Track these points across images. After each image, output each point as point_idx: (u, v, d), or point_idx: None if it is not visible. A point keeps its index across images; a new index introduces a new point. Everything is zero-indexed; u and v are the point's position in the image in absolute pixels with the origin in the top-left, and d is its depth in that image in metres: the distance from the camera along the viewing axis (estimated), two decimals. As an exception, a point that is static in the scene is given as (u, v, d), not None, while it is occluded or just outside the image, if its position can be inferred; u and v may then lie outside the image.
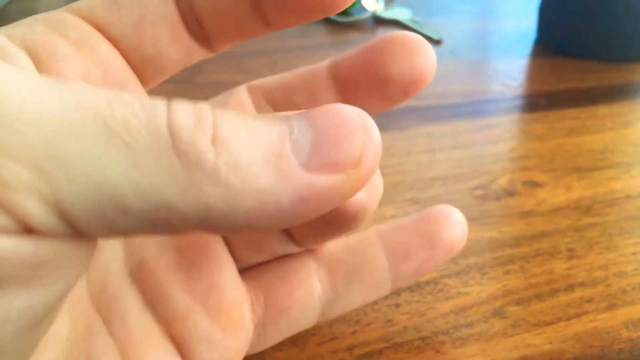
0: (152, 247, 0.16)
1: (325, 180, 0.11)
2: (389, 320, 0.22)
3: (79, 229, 0.10)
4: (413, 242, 0.18)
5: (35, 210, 0.09)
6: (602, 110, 0.39)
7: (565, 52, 0.47)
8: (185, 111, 0.10)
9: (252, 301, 0.18)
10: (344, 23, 0.54)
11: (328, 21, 0.54)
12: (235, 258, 0.18)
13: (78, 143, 0.09)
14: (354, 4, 0.56)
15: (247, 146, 0.10)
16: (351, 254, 0.18)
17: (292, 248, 0.18)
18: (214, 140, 0.10)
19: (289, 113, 0.11)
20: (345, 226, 0.16)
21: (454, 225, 0.19)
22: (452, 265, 0.25)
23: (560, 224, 0.28)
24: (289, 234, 0.17)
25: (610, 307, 0.23)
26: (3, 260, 0.09)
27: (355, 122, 0.11)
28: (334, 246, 0.19)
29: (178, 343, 0.16)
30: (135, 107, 0.10)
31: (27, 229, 0.09)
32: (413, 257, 0.18)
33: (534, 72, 0.45)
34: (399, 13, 0.55)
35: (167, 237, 0.16)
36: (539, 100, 0.40)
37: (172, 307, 0.16)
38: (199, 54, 0.16)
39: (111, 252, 0.16)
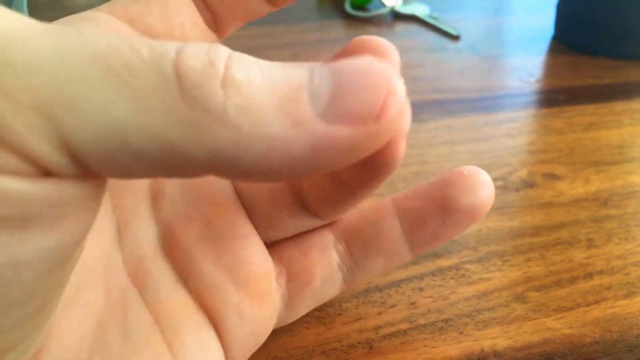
0: (181, 218, 0.17)
1: (341, 132, 0.10)
2: (413, 303, 0.23)
3: (91, 169, 0.10)
4: (427, 208, 0.17)
5: (48, 153, 0.09)
6: (619, 106, 0.39)
7: (582, 49, 0.48)
8: (196, 53, 0.10)
9: (276, 274, 0.18)
10: (362, 18, 0.55)
11: (347, 16, 0.55)
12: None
13: (83, 86, 0.09)
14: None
15: (260, 89, 0.10)
16: (367, 224, 0.18)
17: (311, 222, 0.18)
18: (225, 82, 0.10)
19: (313, 64, 0.11)
20: (363, 187, 0.16)
21: (474, 188, 0.17)
22: (473, 252, 0.26)
23: (579, 215, 0.28)
24: (307, 207, 0.18)
25: (628, 295, 0.24)
26: (26, 202, 0.09)
27: (380, 75, 0.10)
28: (350, 218, 0.19)
29: (210, 314, 0.16)
30: (142, 50, 0.10)
31: (44, 172, 0.10)
32: (428, 223, 0.18)
33: (552, 68, 0.46)
34: (417, 9, 0.55)
35: (194, 208, 0.17)
36: (557, 96, 0.41)
37: (202, 279, 0.16)
38: (213, 39, 0.17)
39: (144, 224, 0.16)
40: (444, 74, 0.44)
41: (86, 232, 0.12)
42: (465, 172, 0.17)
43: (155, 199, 0.17)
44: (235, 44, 0.20)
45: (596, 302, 0.23)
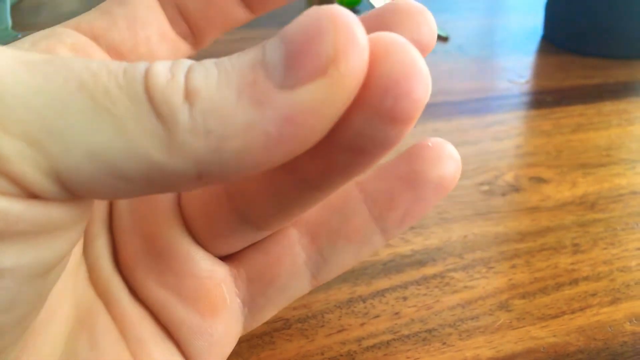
0: (125, 234, 0.16)
1: (307, 92, 0.10)
2: (397, 313, 0.23)
3: (78, 193, 0.11)
4: (395, 186, 0.16)
5: (36, 179, 0.10)
6: (608, 107, 0.39)
7: (571, 49, 0.47)
8: (160, 70, 0.10)
9: (234, 278, 0.17)
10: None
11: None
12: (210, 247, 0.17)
13: (68, 116, 0.10)
14: (360, 1, 0.56)
15: (219, 87, 0.10)
16: (331, 213, 0.17)
17: (258, 235, 0.17)
18: (187, 93, 0.10)
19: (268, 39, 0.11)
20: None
21: (441, 160, 0.15)
22: (458, 260, 0.26)
23: (565, 220, 0.28)
24: (249, 221, 0.16)
25: (613, 301, 0.24)
26: (14, 220, 0.10)
27: (323, 20, 0.10)
28: (313, 208, 0.17)
29: (165, 330, 0.16)
30: (118, 75, 0.10)
31: (31, 195, 0.10)
32: (397, 202, 0.16)
33: (541, 69, 0.45)
34: (406, 10, 0.55)
35: (135, 224, 0.16)
36: (545, 97, 0.40)
37: (148, 297, 0.16)
38: (185, 50, 0.17)
39: (102, 238, 0.16)
40: (433, 76, 0.43)
41: (70, 249, 0.12)
42: (429, 144, 0.15)
43: (110, 214, 0.16)
44: (222, 49, 0.20)
45: (581, 309, 0.23)
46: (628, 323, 0.23)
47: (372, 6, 0.55)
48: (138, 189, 0.11)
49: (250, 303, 0.17)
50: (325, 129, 0.11)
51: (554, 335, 0.22)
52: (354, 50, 0.10)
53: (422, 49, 0.14)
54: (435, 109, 0.39)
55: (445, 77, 0.43)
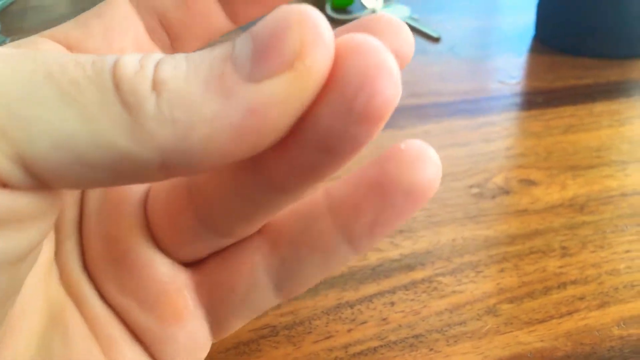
0: (91, 235, 0.16)
1: (272, 85, 0.10)
2: (384, 319, 0.23)
3: (47, 181, 0.11)
4: (361, 193, 0.14)
5: (3, 166, 0.10)
6: (599, 107, 0.39)
7: (563, 49, 0.47)
8: (130, 60, 0.11)
9: (196, 285, 0.17)
10: (343, 20, 0.54)
11: (328, 19, 0.55)
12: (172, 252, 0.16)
13: (35, 106, 0.10)
14: (352, 1, 0.56)
15: (186, 78, 0.11)
16: (295, 219, 0.16)
17: (223, 242, 0.16)
18: (154, 83, 0.11)
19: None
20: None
21: (415, 164, 0.13)
22: (447, 264, 0.26)
23: (554, 222, 0.28)
24: (214, 229, 0.16)
25: (601, 305, 0.24)
26: None
27: (291, 17, 0.10)
28: (277, 215, 0.16)
29: (131, 334, 0.16)
30: (86, 66, 0.11)
31: (1, 184, 0.10)
32: (363, 210, 0.14)
33: (532, 69, 0.45)
34: (398, 10, 0.55)
35: (100, 227, 0.16)
36: (536, 98, 0.40)
37: (111, 301, 0.16)
38: None
39: (72, 240, 0.16)
40: (424, 77, 0.43)
41: (41, 239, 0.12)
42: (403, 146, 0.13)
43: (80, 214, 0.16)
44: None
45: (569, 313, 0.23)
46: (616, 327, 0.23)
47: (364, 7, 0.55)
48: (105, 178, 0.11)
49: (213, 312, 0.17)
50: (289, 122, 0.11)
51: (542, 340, 0.22)
52: (319, 45, 0.10)
53: (400, 59, 0.14)
54: (427, 111, 0.39)
55: (436, 78, 0.43)
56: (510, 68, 0.45)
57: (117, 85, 0.10)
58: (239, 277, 0.16)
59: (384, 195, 0.14)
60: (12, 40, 0.26)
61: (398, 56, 0.14)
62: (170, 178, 0.11)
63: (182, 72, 0.11)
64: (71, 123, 0.10)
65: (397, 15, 0.54)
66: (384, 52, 0.11)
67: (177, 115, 0.10)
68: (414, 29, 0.52)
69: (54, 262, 0.16)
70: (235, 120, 0.10)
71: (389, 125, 0.36)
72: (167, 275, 0.16)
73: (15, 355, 0.14)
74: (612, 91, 0.41)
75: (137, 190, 0.16)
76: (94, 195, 0.16)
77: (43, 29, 0.20)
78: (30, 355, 0.14)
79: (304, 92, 0.11)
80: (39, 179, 0.11)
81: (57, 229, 0.16)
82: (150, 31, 0.17)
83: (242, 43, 0.11)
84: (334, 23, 0.54)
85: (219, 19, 0.17)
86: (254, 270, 0.16)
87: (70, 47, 0.15)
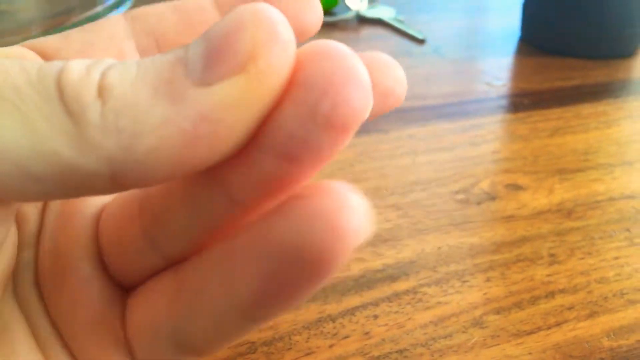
0: (42, 247, 0.15)
1: (224, 89, 0.10)
2: (367, 333, 0.22)
3: None
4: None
5: None
6: (586, 109, 0.38)
7: (549, 50, 0.47)
8: (77, 66, 0.10)
9: (129, 312, 0.15)
10: (327, 23, 0.53)
11: (311, 21, 0.54)
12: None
13: None
14: (337, 2, 0.55)
15: (134, 84, 0.10)
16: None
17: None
18: (100, 89, 0.10)
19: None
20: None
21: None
22: (432, 273, 0.25)
23: (542, 229, 0.27)
24: (161, 252, 0.14)
25: (591, 315, 0.23)
26: None
27: (245, 16, 0.10)
28: None
29: None
30: (32, 72, 0.10)
31: None
32: None
33: (519, 71, 0.45)
34: (383, 12, 0.54)
35: (50, 243, 0.15)
36: (523, 100, 0.40)
37: (53, 320, 0.15)
38: None
39: (28, 249, 0.15)
40: (409, 80, 0.42)
41: None
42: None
43: (40, 227, 0.15)
44: None
45: (557, 324, 0.22)
46: (606, 338, 0.22)
47: (348, 9, 0.54)
48: (51, 190, 0.10)
49: (139, 347, 0.15)
50: (245, 128, 0.10)
51: (529, 353, 0.21)
52: (275, 45, 0.10)
53: (393, 99, 0.14)
54: (412, 114, 0.38)
55: (421, 81, 0.42)
56: (496, 70, 0.45)
57: (62, 91, 0.10)
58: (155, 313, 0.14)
59: None
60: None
61: (391, 95, 0.14)
62: (123, 190, 0.11)
63: (130, 77, 0.10)
64: (12, 132, 0.10)
65: (383, 16, 0.53)
66: (353, 58, 0.10)
67: (123, 124, 0.10)
68: (399, 31, 0.51)
69: (10, 275, 0.15)
70: (186, 126, 0.10)
71: (374, 129, 0.36)
72: (102, 300, 0.15)
73: None
74: (599, 92, 0.41)
75: (92, 203, 0.15)
76: (54, 207, 0.16)
77: (12, 35, 0.19)
78: None
79: (259, 96, 0.10)
80: None
81: (19, 236, 0.15)
82: (142, 51, 0.16)
83: (195, 45, 0.10)
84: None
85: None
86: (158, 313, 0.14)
87: (44, 56, 0.15)
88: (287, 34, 0.10)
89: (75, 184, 0.10)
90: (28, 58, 0.15)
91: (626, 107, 0.39)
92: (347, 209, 0.10)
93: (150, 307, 0.14)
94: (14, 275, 0.15)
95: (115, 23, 0.16)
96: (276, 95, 0.10)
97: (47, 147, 0.10)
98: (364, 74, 0.10)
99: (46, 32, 0.27)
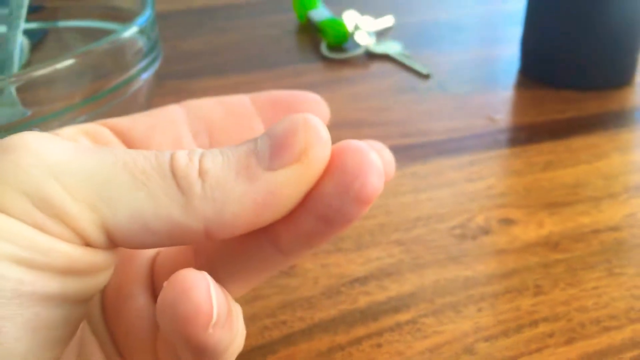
0: (108, 283, 0.19)
1: (285, 173, 0.15)
2: (371, 360, 0.25)
3: (118, 244, 0.15)
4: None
5: (92, 232, 0.14)
6: (577, 142, 0.42)
7: (547, 82, 0.50)
8: (182, 155, 0.15)
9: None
10: (338, 60, 0.57)
11: (323, 58, 0.57)
12: None
13: (115, 188, 0.14)
14: (347, 39, 0.59)
15: (223, 169, 0.15)
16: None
17: None
18: (200, 172, 0.15)
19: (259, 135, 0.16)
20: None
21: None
22: (429, 305, 0.28)
23: (530, 261, 0.31)
24: None
25: (569, 341, 0.26)
26: (75, 261, 0.14)
27: (298, 122, 0.15)
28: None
29: None
30: (151, 159, 0.15)
31: (87, 243, 0.15)
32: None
33: (517, 104, 0.48)
34: (390, 47, 0.58)
35: (114, 275, 0.19)
36: (519, 134, 0.43)
37: (115, 343, 0.19)
38: None
39: None
40: (413, 116, 0.46)
41: (103, 285, 0.16)
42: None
43: None
44: (214, 94, 0.23)
45: (538, 349, 0.26)
46: (580, 362, 0.25)
47: (358, 45, 0.58)
48: (161, 240, 0.15)
49: None
50: (297, 199, 0.15)
51: (512, 377, 0.24)
52: (319, 144, 0.15)
53: (385, 176, 0.18)
54: (414, 151, 0.41)
55: (424, 117, 0.46)
56: (496, 103, 0.48)
57: (174, 173, 0.15)
58: None
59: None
60: (33, 112, 0.29)
61: (387, 175, 0.20)
62: (210, 241, 0.16)
63: (219, 163, 0.15)
64: (141, 201, 0.14)
65: (390, 51, 0.57)
66: (373, 154, 0.15)
67: (216, 195, 0.15)
68: (405, 66, 0.55)
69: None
70: (258, 198, 0.15)
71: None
72: (151, 327, 0.19)
73: None
74: (590, 124, 0.44)
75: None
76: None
77: (58, 101, 0.23)
78: None
79: (309, 177, 0.15)
80: (114, 241, 0.15)
81: None
82: (194, 134, 0.21)
83: (263, 141, 0.15)
84: (329, 62, 0.57)
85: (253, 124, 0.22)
86: None
87: (116, 133, 0.20)
88: (326, 135, 0.15)
89: (179, 236, 0.15)
90: (103, 134, 0.20)
91: (617, 139, 0.42)
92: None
93: None
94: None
95: (173, 110, 0.21)
96: (319, 176, 0.15)
97: (163, 211, 0.14)
98: (379, 164, 0.15)
99: (88, 97, 0.31)
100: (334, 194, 0.15)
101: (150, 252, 0.20)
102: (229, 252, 0.18)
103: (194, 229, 0.15)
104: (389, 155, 0.21)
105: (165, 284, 0.14)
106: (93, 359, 0.19)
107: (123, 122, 0.21)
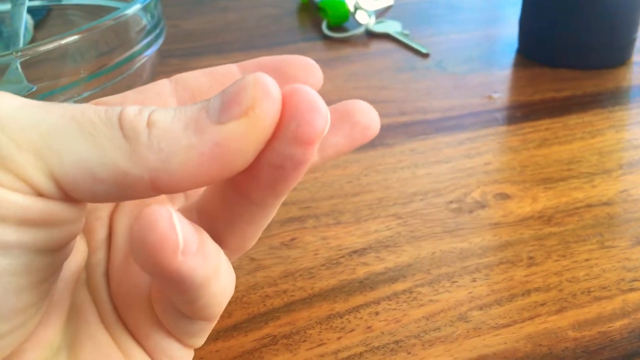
0: (113, 250, 0.20)
1: (232, 126, 0.15)
2: (369, 327, 0.26)
3: (69, 194, 0.15)
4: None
5: (40, 180, 0.14)
6: (573, 119, 0.42)
7: (544, 61, 0.50)
8: (132, 108, 0.15)
9: None
10: (339, 39, 0.57)
11: (323, 37, 0.58)
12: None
13: (63, 139, 0.14)
14: (347, 18, 0.59)
15: (172, 122, 0.15)
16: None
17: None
18: (148, 123, 0.15)
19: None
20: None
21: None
22: (426, 275, 0.29)
23: (524, 234, 0.32)
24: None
25: (560, 310, 0.27)
26: (25, 210, 0.14)
27: (248, 80, 0.15)
28: None
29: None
30: (101, 112, 0.15)
31: (38, 193, 0.15)
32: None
33: (515, 83, 0.48)
34: (390, 26, 0.58)
35: (122, 243, 0.20)
36: (515, 112, 0.44)
37: (115, 304, 0.20)
38: None
39: (100, 251, 0.20)
40: (412, 94, 0.47)
41: (68, 240, 0.16)
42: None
43: (109, 235, 0.21)
44: None
45: (530, 318, 0.27)
46: (571, 330, 0.26)
47: (358, 25, 0.58)
48: (110, 190, 0.15)
49: None
50: (249, 152, 0.15)
51: (505, 343, 0.25)
52: (267, 99, 0.15)
53: (370, 132, 0.21)
54: (413, 129, 0.42)
55: (423, 96, 0.46)
56: (493, 82, 0.48)
57: (121, 124, 0.15)
58: None
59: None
60: (39, 88, 0.30)
61: (368, 129, 0.21)
62: (158, 195, 0.16)
63: (169, 116, 0.15)
64: (88, 151, 0.15)
65: (389, 30, 0.57)
66: (314, 95, 0.15)
67: (162, 146, 0.15)
68: (404, 45, 0.55)
69: (84, 269, 0.20)
70: (204, 150, 0.15)
71: (379, 143, 0.40)
72: (150, 285, 0.19)
73: (47, 336, 0.18)
74: (586, 103, 0.44)
75: None
76: (124, 216, 0.21)
77: (65, 76, 0.24)
78: (59, 339, 0.18)
79: (256, 132, 0.15)
80: (64, 192, 0.15)
81: (89, 244, 0.21)
82: (180, 104, 0.22)
83: (215, 98, 0.16)
84: (330, 41, 0.57)
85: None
86: None
87: None
88: (276, 92, 0.15)
89: (126, 186, 0.15)
90: None
91: (612, 117, 0.43)
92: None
93: None
94: (88, 270, 0.20)
95: (161, 84, 0.22)
96: (270, 131, 0.15)
97: (109, 159, 0.15)
98: (320, 104, 0.15)
99: (92, 73, 0.32)
100: (279, 138, 0.15)
101: None
102: (220, 210, 0.19)
103: (139, 177, 0.15)
104: (374, 114, 0.21)
105: (133, 221, 0.15)
106: (86, 325, 0.19)
107: (114, 100, 0.21)
